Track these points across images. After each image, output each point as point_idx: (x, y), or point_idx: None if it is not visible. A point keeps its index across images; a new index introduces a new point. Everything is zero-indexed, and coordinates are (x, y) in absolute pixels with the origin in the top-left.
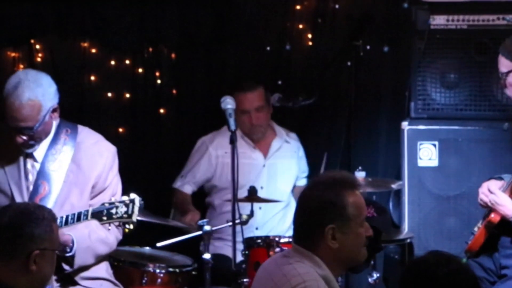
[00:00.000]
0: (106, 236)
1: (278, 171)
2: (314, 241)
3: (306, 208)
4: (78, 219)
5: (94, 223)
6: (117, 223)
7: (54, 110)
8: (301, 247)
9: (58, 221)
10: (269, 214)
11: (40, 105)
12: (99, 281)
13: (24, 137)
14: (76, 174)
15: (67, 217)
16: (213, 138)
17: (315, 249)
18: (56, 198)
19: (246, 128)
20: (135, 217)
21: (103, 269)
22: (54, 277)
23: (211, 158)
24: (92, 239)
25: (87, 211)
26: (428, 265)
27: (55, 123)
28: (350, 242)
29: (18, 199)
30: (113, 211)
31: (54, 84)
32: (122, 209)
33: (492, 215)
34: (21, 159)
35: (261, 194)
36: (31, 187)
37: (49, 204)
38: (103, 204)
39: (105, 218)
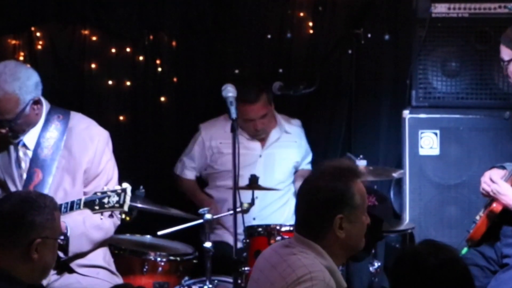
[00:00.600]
0: (102, 222)
1: (276, 161)
2: (320, 231)
3: (314, 199)
4: (71, 209)
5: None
6: (109, 213)
7: (36, 102)
8: (304, 237)
9: None
10: (266, 204)
11: (17, 98)
12: (95, 269)
13: (3, 130)
14: (68, 160)
15: (60, 206)
16: (208, 127)
17: (320, 239)
18: (50, 185)
19: (251, 132)
20: (127, 207)
21: (100, 257)
22: None
23: (204, 147)
24: (86, 225)
25: (80, 200)
26: (418, 255)
27: (44, 111)
28: (356, 231)
29: (11, 187)
30: (105, 200)
31: (35, 76)
32: (114, 199)
33: (494, 204)
34: (12, 147)
35: None
36: (24, 175)
37: (43, 191)
38: (95, 193)
39: (97, 207)
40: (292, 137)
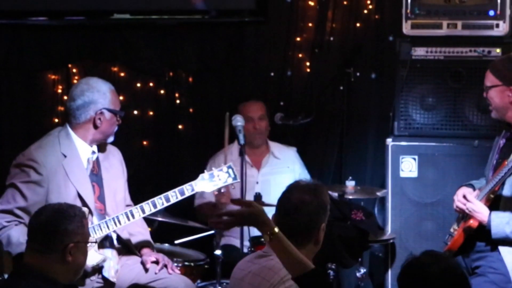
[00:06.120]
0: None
1: (271, 187)
2: (304, 240)
3: (305, 212)
4: (182, 194)
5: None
6: (223, 189)
7: (100, 112)
8: None
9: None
10: None
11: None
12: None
13: None
14: (108, 171)
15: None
16: (216, 156)
17: (302, 247)
18: (106, 196)
19: (249, 134)
20: (238, 177)
21: None
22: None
23: None
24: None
25: (191, 185)
26: (421, 265)
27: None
28: (322, 237)
29: (87, 199)
30: (216, 179)
31: (107, 94)
32: (225, 175)
33: (471, 221)
34: (83, 161)
35: None
36: (90, 188)
37: (104, 202)
38: (201, 176)
39: (212, 185)
40: (284, 163)
